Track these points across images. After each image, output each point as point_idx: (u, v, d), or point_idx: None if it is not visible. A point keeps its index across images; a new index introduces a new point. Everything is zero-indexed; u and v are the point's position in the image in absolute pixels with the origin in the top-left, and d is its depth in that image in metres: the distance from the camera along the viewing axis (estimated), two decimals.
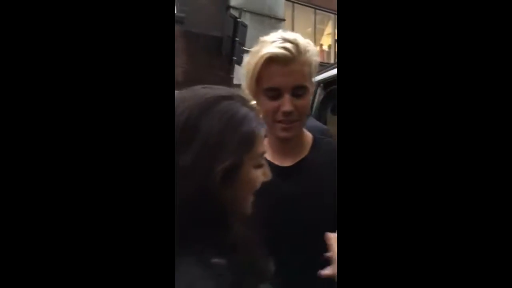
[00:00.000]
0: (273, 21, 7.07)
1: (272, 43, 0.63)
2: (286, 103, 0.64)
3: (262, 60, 0.62)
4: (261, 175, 0.49)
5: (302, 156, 0.72)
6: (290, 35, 0.65)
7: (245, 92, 0.67)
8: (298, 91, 0.65)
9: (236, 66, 4.92)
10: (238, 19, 4.96)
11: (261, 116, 0.55)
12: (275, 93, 0.64)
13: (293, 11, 7.89)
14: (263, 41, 0.66)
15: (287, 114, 0.65)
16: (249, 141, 0.45)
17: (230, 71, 5.14)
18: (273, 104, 0.65)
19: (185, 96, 0.46)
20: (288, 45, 0.62)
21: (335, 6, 9.29)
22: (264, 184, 0.49)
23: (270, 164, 0.60)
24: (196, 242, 0.41)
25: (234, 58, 4.92)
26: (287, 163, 0.71)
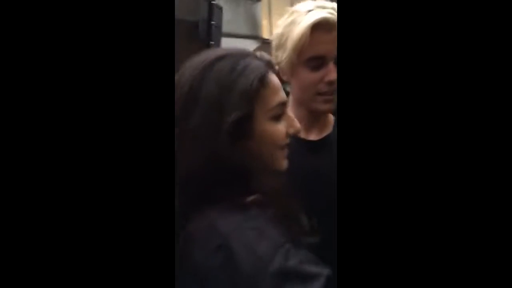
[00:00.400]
0: (249, 2, 6.94)
1: (308, 12, 0.61)
2: (333, 72, 0.62)
3: (310, 27, 0.59)
4: (284, 127, 0.47)
5: (328, 132, 0.71)
6: (324, 2, 0.63)
7: (281, 67, 0.63)
8: (335, 57, 0.64)
9: None
10: (213, 1, 4.83)
11: (296, 89, 0.53)
12: (318, 62, 0.62)
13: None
14: (295, 11, 0.63)
15: (332, 83, 0.62)
16: (250, 92, 0.43)
17: None
18: (315, 75, 0.62)
19: (183, 70, 0.45)
20: (332, 11, 0.60)
21: None
22: (295, 137, 0.49)
23: (295, 138, 0.59)
24: (222, 199, 0.41)
25: (211, 42, 4.82)
26: (312, 137, 0.71)
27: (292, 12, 0.64)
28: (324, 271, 0.40)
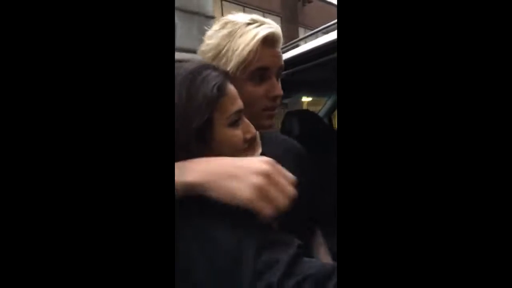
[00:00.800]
0: (203, 18, 6.99)
1: (248, 24, 0.60)
2: (277, 86, 0.61)
3: (259, 42, 0.58)
4: (241, 133, 0.50)
5: (259, 150, 0.69)
6: (257, 17, 0.63)
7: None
8: (280, 72, 0.64)
9: None
10: None
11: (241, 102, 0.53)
12: (263, 74, 0.61)
13: (221, 8, 7.89)
14: (231, 22, 0.61)
15: (277, 98, 0.62)
16: (210, 99, 0.47)
17: None
18: (259, 89, 0.61)
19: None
20: (273, 25, 0.61)
21: (263, 4, 9.51)
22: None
23: None
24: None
25: None
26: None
27: (227, 23, 0.61)
28: (295, 240, 0.43)
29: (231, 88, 0.51)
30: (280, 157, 0.69)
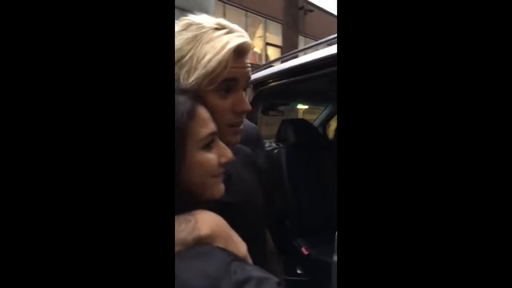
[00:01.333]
0: None
1: (214, 30, 0.54)
2: (245, 100, 0.56)
3: (231, 53, 0.52)
4: (216, 157, 0.48)
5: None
6: (225, 22, 0.57)
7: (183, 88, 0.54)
8: (247, 84, 0.59)
9: None
10: None
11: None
12: (229, 86, 0.55)
13: (224, 11, 7.91)
14: (195, 24, 0.54)
15: (244, 113, 0.57)
16: (179, 125, 0.44)
17: None
18: (225, 102, 0.55)
19: None
20: (243, 34, 0.56)
21: (265, 10, 9.59)
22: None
23: None
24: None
25: None
26: None
27: (190, 24, 0.55)
28: (272, 276, 0.42)
29: (201, 111, 0.48)
30: (236, 171, 0.66)
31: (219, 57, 0.52)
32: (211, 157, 0.48)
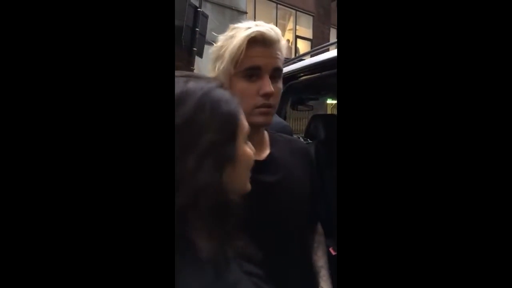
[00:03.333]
0: (235, 13, 7.01)
1: (247, 29, 0.64)
2: (268, 84, 0.65)
3: (247, 39, 0.63)
4: (251, 151, 0.50)
5: (268, 151, 0.73)
6: (262, 23, 0.66)
7: (218, 77, 0.66)
8: (276, 73, 0.67)
9: (197, 58, 4.80)
10: (199, 9, 4.84)
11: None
12: (254, 73, 0.64)
13: (254, 4, 7.88)
14: (236, 28, 0.67)
15: (268, 96, 0.65)
16: (232, 116, 0.46)
17: (190, 61, 5.01)
18: (252, 87, 0.65)
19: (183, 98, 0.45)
20: (269, 29, 0.65)
21: (296, 2, 9.46)
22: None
23: None
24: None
25: (194, 49, 4.80)
26: (258, 157, 0.69)
27: (233, 28, 0.68)
28: None
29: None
30: (287, 157, 0.74)
31: (236, 43, 0.64)
32: (250, 150, 0.50)
